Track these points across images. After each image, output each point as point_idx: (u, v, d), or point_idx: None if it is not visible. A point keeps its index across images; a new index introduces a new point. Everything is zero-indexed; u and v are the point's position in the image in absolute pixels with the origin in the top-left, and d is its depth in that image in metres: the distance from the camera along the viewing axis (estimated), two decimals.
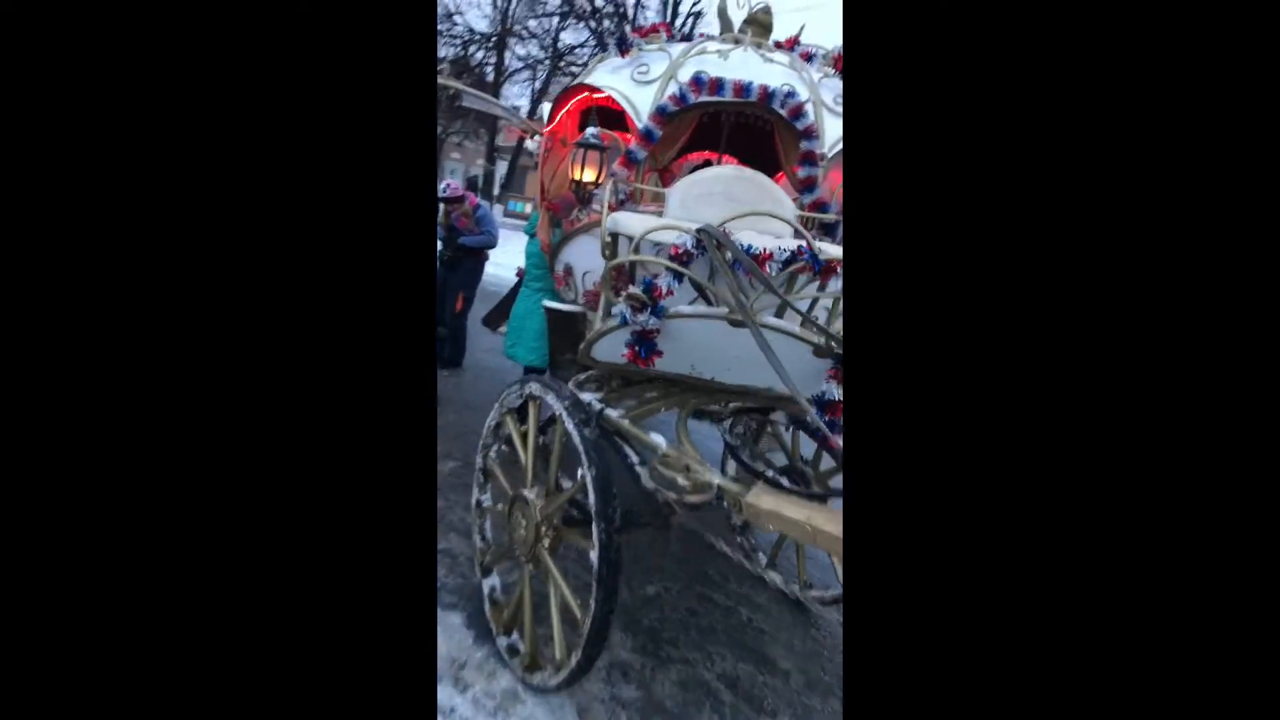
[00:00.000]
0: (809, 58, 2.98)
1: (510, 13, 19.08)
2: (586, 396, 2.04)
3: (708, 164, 4.05)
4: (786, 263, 1.71)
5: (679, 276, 1.70)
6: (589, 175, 2.67)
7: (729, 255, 1.65)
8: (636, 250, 1.82)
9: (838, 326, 1.89)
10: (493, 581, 2.18)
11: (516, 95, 19.68)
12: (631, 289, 1.75)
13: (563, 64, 18.82)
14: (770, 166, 3.15)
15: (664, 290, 1.69)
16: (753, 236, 1.81)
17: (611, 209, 2.24)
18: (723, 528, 3.03)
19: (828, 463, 2.49)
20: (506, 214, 17.64)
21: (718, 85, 2.64)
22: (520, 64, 19.59)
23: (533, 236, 3.54)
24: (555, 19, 18.84)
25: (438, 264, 4.66)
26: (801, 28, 3.25)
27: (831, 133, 2.63)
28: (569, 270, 2.95)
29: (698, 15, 16.06)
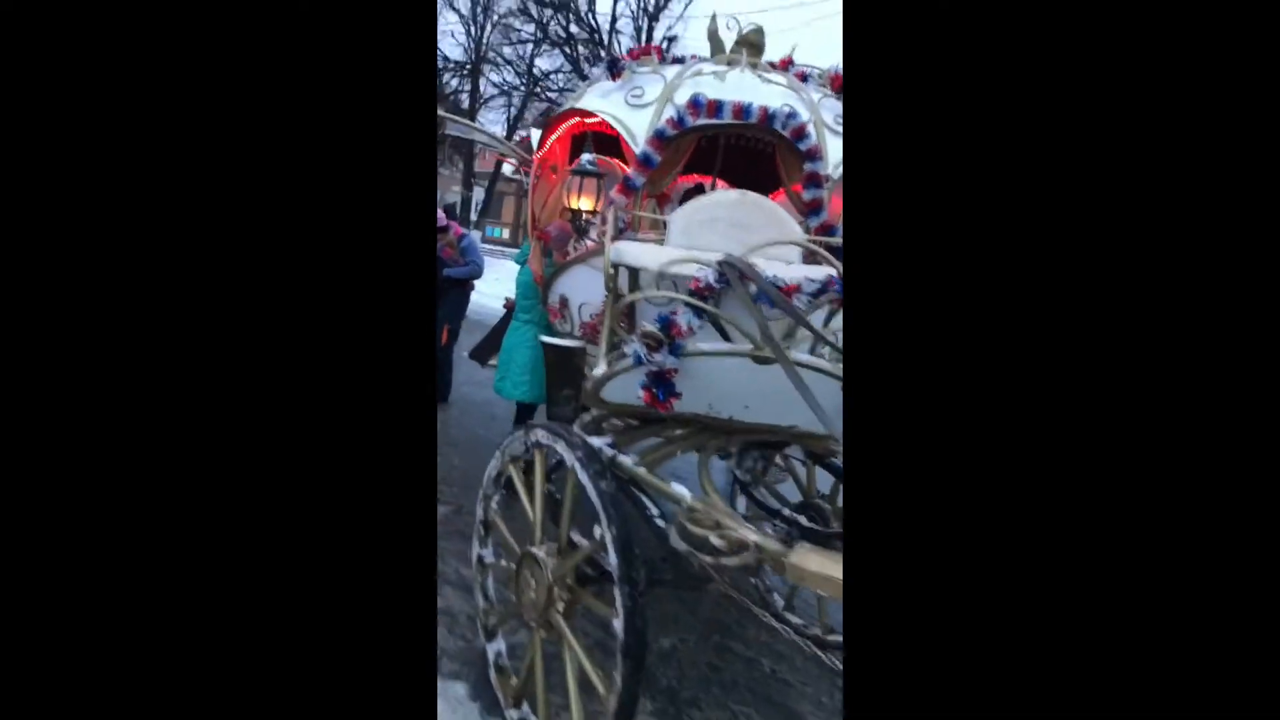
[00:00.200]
0: (804, 78, 2.91)
1: (484, 40, 19.14)
2: (596, 441, 1.89)
3: (699, 187, 3.96)
4: (816, 294, 1.59)
5: (698, 312, 1.56)
6: (586, 204, 2.55)
7: (753, 288, 1.52)
8: (656, 285, 1.68)
9: None
10: (498, 646, 2.00)
11: (492, 122, 19.71)
12: (646, 326, 1.61)
13: (538, 89, 18.88)
14: (763, 189, 3.06)
15: (684, 328, 1.55)
16: (779, 267, 1.70)
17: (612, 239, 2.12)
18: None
19: None
20: (484, 239, 17.52)
21: (716, 107, 2.55)
22: (495, 90, 19.63)
23: (523, 266, 3.40)
24: (529, 45, 18.94)
25: None
26: (794, 48, 3.19)
27: (834, 154, 2.55)
28: (564, 302, 2.81)
29: (672, 40, 16.22)
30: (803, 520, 2.07)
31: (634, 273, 2.04)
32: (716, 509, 1.53)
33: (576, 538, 1.75)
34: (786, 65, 2.98)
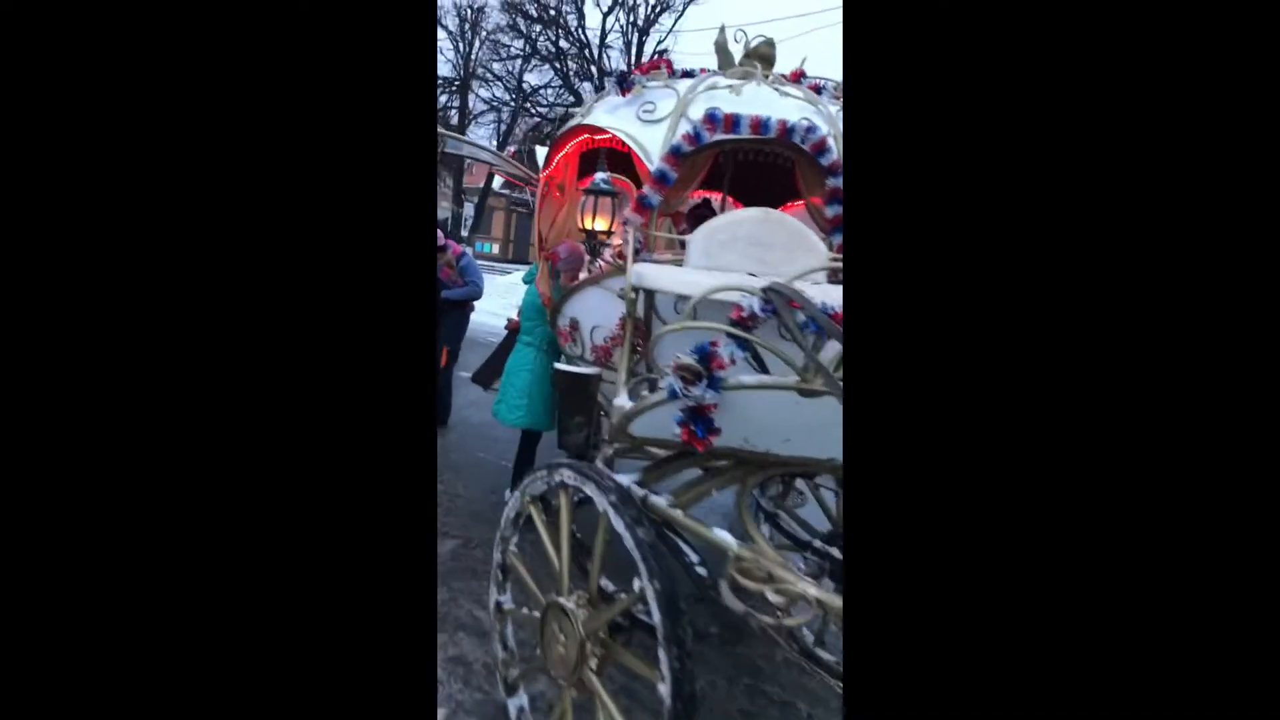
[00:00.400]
0: (818, 90, 2.83)
1: (473, 56, 19.12)
2: (624, 479, 1.76)
3: (706, 203, 3.87)
4: None
5: (741, 343, 1.45)
6: (600, 224, 2.43)
7: (800, 316, 1.41)
8: (693, 315, 1.57)
9: None
10: (520, 701, 1.86)
11: (481, 138, 19.63)
12: (681, 358, 1.50)
13: (528, 105, 18.86)
14: (773, 203, 2.96)
15: (726, 360, 1.43)
16: (810, 289, 1.58)
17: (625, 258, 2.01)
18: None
19: None
20: (474, 255, 17.41)
21: (734, 122, 2.45)
22: (485, 106, 19.59)
23: (530, 286, 3.28)
24: (519, 61, 18.93)
25: None
26: (804, 60, 3.11)
27: None
28: (575, 324, 2.69)
29: (662, 54, 16.25)
30: (834, 553, 1.95)
31: (649, 294, 1.93)
32: (766, 557, 1.41)
33: (608, 586, 1.63)
34: (798, 78, 2.89)
